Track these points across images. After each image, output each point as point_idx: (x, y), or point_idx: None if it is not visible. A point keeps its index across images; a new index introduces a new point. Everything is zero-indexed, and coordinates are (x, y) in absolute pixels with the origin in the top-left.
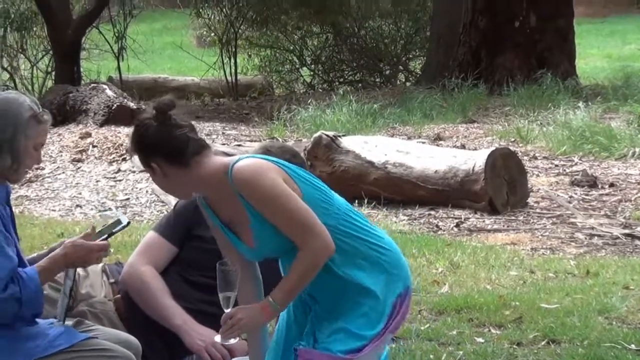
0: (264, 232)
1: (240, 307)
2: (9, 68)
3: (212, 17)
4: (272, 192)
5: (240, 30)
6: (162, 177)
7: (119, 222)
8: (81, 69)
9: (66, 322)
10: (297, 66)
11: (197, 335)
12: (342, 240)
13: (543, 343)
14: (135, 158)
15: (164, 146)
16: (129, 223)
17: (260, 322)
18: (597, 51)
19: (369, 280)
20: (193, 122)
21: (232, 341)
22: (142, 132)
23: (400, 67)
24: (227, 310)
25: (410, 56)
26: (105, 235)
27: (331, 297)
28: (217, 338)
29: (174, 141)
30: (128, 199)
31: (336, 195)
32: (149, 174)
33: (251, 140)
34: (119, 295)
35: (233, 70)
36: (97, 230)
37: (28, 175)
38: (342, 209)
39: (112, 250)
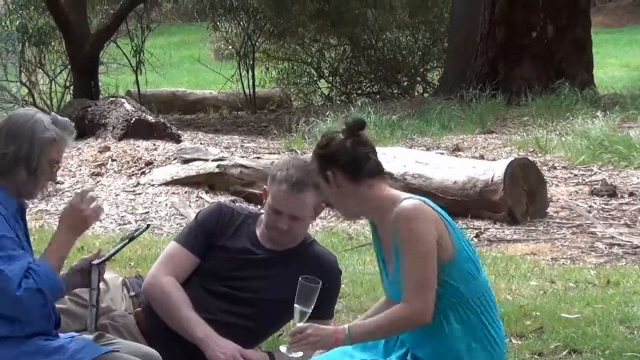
0: (398, 270)
1: (314, 325)
2: (27, 83)
3: (230, 30)
4: (414, 240)
5: (257, 43)
6: (334, 188)
7: (138, 228)
8: (99, 83)
9: (87, 336)
10: (315, 78)
11: (218, 348)
12: (467, 314)
13: (564, 353)
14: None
15: (343, 157)
16: (148, 226)
17: (328, 345)
18: (615, 60)
19: None
20: (213, 135)
21: (295, 355)
22: (328, 140)
23: (418, 79)
24: (299, 324)
25: (428, 67)
26: (126, 241)
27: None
28: (283, 349)
29: (354, 155)
30: (147, 212)
31: (484, 273)
32: (322, 183)
33: (270, 153)
34: (139, 309)
35: (251, 83)
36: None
37: (48, 190)
38: (482, 288)
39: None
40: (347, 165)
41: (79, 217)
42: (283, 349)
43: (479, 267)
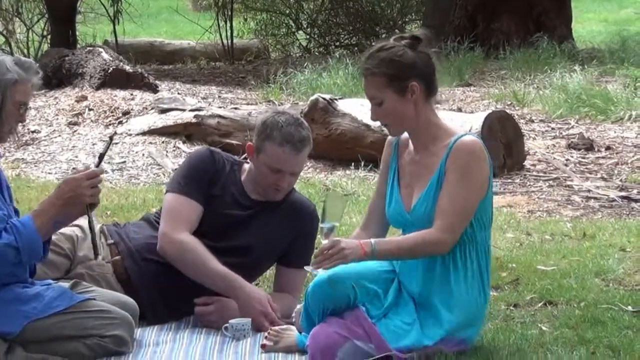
0: (429, 196)
1: (341, 238)
2: (4, 32)
3: None
4: (472, 173)
5: None
6: (408, 100)
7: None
8: (77, 33)
9: (63, 284)
10: (293, 30)
11: (253, 300)
12: (472, 259)
13: (540, 304)
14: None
15: (426, 69)
16: (111, 137)
17: (357, 257)
18: (593, 15)
19: (458, 309)
20: (190, 86)
21: (324, 274)
22: (398, 53)
23: (397, 31)
24: (324, 241)
25: (407, 20)
26: (97, 161)
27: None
28: (308, 268)
29: (434, 70)
30: (124, 162)
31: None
32: (382, 101)
33: (248, 104)
34: (117, 257)
35: (229, 34)
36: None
37: (24, 139)
38: (488, 242)
39: (105, 173)
40: (428, 79)
41: (75, 189)
42: (308, 268)
43: (492, 218)
